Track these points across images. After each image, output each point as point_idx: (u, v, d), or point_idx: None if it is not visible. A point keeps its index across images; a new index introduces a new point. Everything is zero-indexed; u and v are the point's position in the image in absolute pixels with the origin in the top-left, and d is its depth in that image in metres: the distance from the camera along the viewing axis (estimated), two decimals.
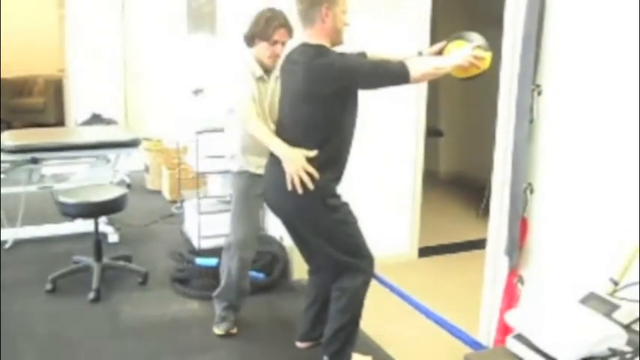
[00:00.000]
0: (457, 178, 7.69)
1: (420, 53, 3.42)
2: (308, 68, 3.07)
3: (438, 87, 7.07)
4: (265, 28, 3.58)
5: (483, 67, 3.13)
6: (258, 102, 3.58)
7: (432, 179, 6.77)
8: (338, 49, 3.15)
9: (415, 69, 3.01)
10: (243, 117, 3.47)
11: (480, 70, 3.13)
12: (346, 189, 3.30)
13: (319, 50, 3.09)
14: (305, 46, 3.17)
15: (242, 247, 3.78)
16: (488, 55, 3.12)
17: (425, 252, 5.31)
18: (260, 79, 3.65)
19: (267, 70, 3.67)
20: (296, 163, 3.07)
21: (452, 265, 5.12)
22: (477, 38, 3.17)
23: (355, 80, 3.09)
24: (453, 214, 6.49)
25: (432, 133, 6.68)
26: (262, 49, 3.62)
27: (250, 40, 3.66)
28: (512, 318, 2.19)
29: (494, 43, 3.15)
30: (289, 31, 3.62)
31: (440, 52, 3.31)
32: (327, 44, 3.12)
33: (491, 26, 3.51)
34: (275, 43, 3.59)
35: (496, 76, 3.24)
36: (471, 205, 6.49)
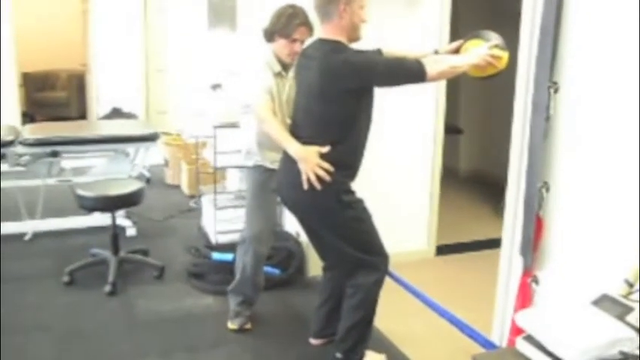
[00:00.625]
0: (477, 176, 7.64)
1: (437, 52, 3.40)
2: (324, 64, 3.05)
3: (458, 84, 7.03)
4: (286, 25, 3.55)
5: (500, 67, 3.10)
6: (276, 97, 3.58)
7: (451, 177, 6.74)
8: (355, 45, 3.14)
9: (432, 67, 2.99)
10: (259, 115, 3.46)
11: (497, 70, 3.10)
12: (364, 185, 3.29)
13: (336, 46, 3.07)
14: (321, 42, 3.15)
15: (256, 241, 3.78)
16: (505, 55, 3.09)
17: (443, 250, 5.29)
18: (278, 74, 3.63)
19: (286, 66, 3.66)
20: (310, 161, 3.06)
21: (469, 264, 5.09)
22: (494, 37, 3.14)
23: (371, 78, 3.06)
24: (472, 212, 6.45)
25: (452, 130, 6.65)
26: (281, 46, 3.60)
27: (270, 35, 3.64)
28: (522, 319, 2.16)
29: (516, 40, 3.11)
30: (310, 30, 3.58)
31: (457, 51, 3.28)
32: (344, 40, 3.09)
33: (513, 22, 3.46)
34: (294, 41, 3.56)
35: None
36: (490, 203, 6.45)
